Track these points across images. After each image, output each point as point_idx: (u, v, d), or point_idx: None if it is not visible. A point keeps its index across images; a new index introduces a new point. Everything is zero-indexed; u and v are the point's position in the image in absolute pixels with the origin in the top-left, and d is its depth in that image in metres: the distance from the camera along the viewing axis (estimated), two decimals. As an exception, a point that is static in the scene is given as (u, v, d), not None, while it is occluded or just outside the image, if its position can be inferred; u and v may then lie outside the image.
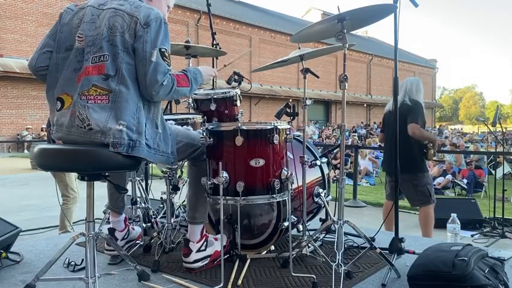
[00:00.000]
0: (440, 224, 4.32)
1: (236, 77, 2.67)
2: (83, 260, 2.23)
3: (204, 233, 2.36)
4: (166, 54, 1.91)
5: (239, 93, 2.71)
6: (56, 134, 1.90)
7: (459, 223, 3.11)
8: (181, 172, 2.79)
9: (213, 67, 3.39)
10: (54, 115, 1.91)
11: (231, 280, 2.11)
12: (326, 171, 3.00)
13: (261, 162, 2.15)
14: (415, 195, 3.79)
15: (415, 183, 3.73)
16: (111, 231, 2.54)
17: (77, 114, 1.82)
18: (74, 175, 4.24)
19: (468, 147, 14.88)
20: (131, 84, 1.86)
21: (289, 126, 2.31)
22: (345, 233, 2.57)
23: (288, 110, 2.35)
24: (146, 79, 1.85)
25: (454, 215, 3.13)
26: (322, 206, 2.86)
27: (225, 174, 2.11)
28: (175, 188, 2.67)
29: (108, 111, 1.81)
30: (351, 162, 10.03)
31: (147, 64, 1.85)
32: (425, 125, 3.92)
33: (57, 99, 1.90)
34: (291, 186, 2.25)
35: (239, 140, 2.11)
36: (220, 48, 3.20)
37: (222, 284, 2.05)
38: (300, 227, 2.55)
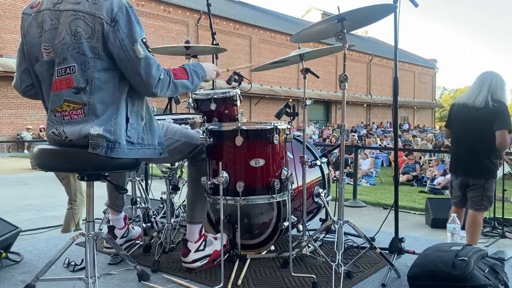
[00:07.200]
0: (440, 224, 4.31)
1: (236, 77, 2.67)
2: (82, 260, 2.23)
3: (203, 232, 2.36)
4: (148, 44, 1.78)
5: (239, 93, 2.71)
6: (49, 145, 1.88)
7: (459, 223, 3.10)
8: (181, 172, 2.78)
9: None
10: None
11: (231, 280, 2.11)
12: (326, 171, 3.00)
13: (261, 162, 2.15)
14: (481, 200, 3.56)
15: (486, 187, 3.53)
16: (111, 228, 2.55)
17: (53, 130, 1.77)
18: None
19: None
20: (107, 88, 1.76)
21: (289, 126, 2.30)
22: (345, 233, 2.56)
23: (288, 110, 2.34)
24: (142, 78, 1.76)
25: (454, 215, 3.11)
26: (322, 206, 2.86)
27: (225, 174, 2.11)
28: (175, 188, 2.67)
29: (83, 124, 1.75)
30: (351, 163, 10.02)
31: (136, 63, 1.73)
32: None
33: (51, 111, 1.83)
34: (291, 186, 2.25)
35: (239, 140, 2.11)
36: (220, 48, 3.19)
37: (222, 284, 2.05)
38: (300, 227, 2.55)
